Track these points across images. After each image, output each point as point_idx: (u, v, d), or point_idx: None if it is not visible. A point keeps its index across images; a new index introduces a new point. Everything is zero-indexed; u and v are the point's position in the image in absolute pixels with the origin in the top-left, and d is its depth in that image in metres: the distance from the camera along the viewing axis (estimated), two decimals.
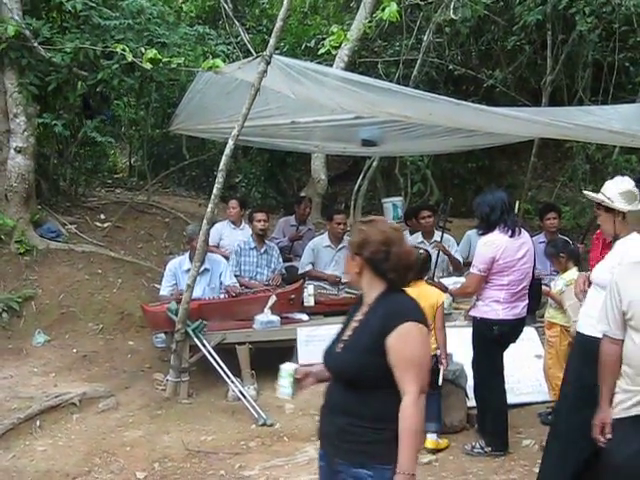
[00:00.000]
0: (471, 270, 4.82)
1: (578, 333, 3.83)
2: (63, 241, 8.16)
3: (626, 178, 3.93)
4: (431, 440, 4.85)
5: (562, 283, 5.27)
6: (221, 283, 6.59)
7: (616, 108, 6.63)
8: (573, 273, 5.24)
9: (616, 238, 3.82)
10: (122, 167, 13.96)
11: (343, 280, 7.22)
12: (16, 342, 6.81)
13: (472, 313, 4.89)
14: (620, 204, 3.76)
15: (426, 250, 5.36)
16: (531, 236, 5.10)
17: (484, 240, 4.75)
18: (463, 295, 5.46)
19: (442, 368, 4.87)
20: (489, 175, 12.14)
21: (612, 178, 4.04)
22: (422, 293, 4.94)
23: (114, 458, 4.77)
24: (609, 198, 3.79)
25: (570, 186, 11.66)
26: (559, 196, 11.42)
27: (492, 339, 4.75)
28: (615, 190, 3.80)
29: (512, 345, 4.86)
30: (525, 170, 11.26)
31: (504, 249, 4.65)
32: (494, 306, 4.70)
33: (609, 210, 3.80)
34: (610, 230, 3.86)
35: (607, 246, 4.67)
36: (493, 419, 4.81)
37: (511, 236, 4.68)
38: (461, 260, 7.32)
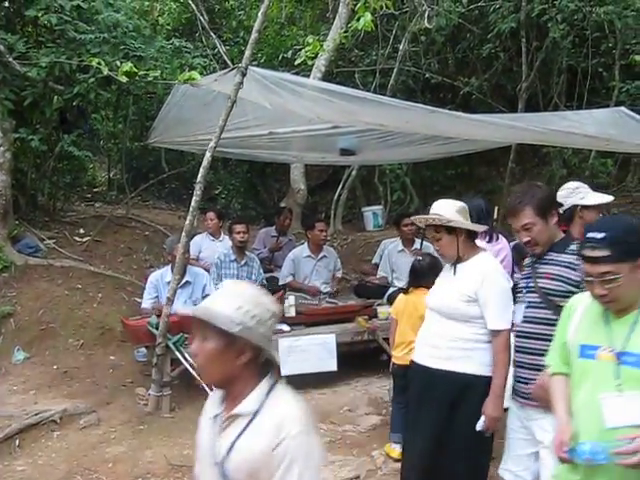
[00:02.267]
0: None
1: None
2: (42, 256, 8.09)
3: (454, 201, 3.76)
4: (398, 451, 4.82)
5: None
6: (206, 296, 6.54)
7: (591, 113, 6.71)
8: None
9: (458, 261, 3.65)
10: (101, 181, 13.86)
11: (323, 290, 7.26)
12: None
13: None
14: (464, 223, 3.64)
15: (429, 255, 5.23)
16: (509, 241, 5.13)
17: None
18: None
19: None
20: (468, 181, 12.20)
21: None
22: (418, 301, 4.71)
23: (96, 475, 4.72)
24: (449, 220, 3.60)
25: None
26: None
27: None
28: (451, 209, 3.64)
29: None
30: (504, 176, 11.34)
31: None
32: None
33: (451, 231, 3.62)
34: (453, 253, 3.64)
35: None
36: None
37: (489, 241, 4.72)
38: None
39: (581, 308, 2.58)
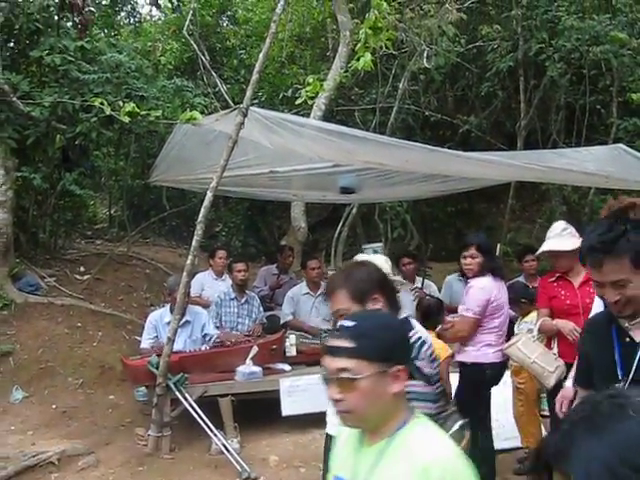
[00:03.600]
0: (465, 314, 4.71)
1: None
2: (42, 295, 8.07)
3: None
4: None
5: (526, 326, 5.11)
6: (205, 335, 6.52)
7: (589, 150, 6.73)
8: (534, 316, 5.05)
9: None
10: (102, 218, 13.92)
11: (323, 328, 7.20)
12: None
13: (461, 359, 4.78)
14: None
15: (432, 296, 5.23)
16: (510, 279, 5.14)
17: (480, 284, 4.70)
18: (455, 340, 4.94)
19: None
20: (468, 218, 12.24)
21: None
22: None
23: None
24: None
25: (548, 227, 11.76)
26: (538, 237, 11.47)
27: (483, 383, 4.71)
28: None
29: (494, 389, 4.83)
30: (503, 212, 11.38)
31: (496, 291, 4.69)
32: (485, 350, 4.67)
33: None
34: None
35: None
36: (482, 464, 4.76)
37: (494, 278, 4.73)
38: None
39: (346, 431, 2.06)
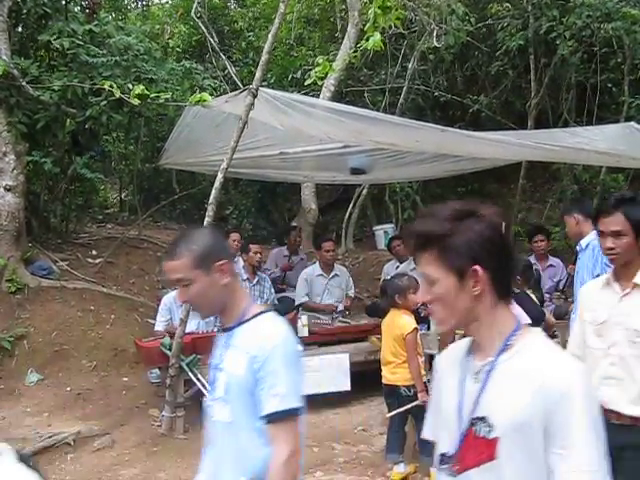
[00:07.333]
0: None
1: None
2: (55, 278, 8.11)
3: None
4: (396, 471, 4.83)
5: None
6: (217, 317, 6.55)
7: (601, 129, 6.69)
8: None
9: None
10: (113, 202, 13.96)
11: (339, 309, 7.24)
12: (8, 382, 6.73)
13: None
14: None
15: (404, 275, 5.29)
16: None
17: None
18: None
19: (419, 401, 4.67)
20: (479, 199, 12.13)
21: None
22: (390, 321, 5.03)
23: None
24: None
25: (560, 207, 11.73)
26: (549, 217, 11.48)
27: None
28: None
29: None
30: (514, 192, 11.33)
31: None
32: None
33: None
34: None
35: None
36: None
37: None
38: None
39: None
